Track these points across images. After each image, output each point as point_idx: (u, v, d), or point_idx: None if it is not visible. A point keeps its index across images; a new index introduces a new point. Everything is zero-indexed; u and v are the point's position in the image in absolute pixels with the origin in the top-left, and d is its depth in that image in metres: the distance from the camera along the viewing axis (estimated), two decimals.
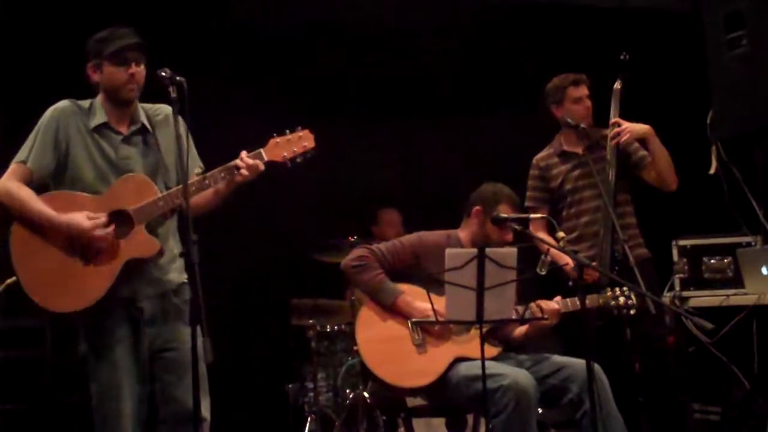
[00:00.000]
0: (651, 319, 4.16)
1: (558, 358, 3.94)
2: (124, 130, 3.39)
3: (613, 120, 4.51)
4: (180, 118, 3.17)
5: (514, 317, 3.72)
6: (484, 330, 3.54)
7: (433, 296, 3.58)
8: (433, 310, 3.62)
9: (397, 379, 3.82)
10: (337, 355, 5.29)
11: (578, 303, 3.78)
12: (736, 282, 4.84)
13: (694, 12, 5.25)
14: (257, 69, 5.88)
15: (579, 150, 4.59)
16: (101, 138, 3.35)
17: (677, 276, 5.04)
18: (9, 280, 3.66)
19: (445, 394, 3.85)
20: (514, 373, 3.69)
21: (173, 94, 3.09)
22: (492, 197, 4.05)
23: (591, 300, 3.88)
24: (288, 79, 5.94)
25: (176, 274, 3.41)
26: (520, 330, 4.07)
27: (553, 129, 4.77)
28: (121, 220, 3.26)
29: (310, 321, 5.29)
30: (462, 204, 4.19)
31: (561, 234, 3.87)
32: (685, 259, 5.03)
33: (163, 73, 3.08)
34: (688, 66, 5.44)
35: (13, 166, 3.31)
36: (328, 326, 5.27)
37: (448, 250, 3.50)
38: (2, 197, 3.27)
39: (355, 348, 4.59)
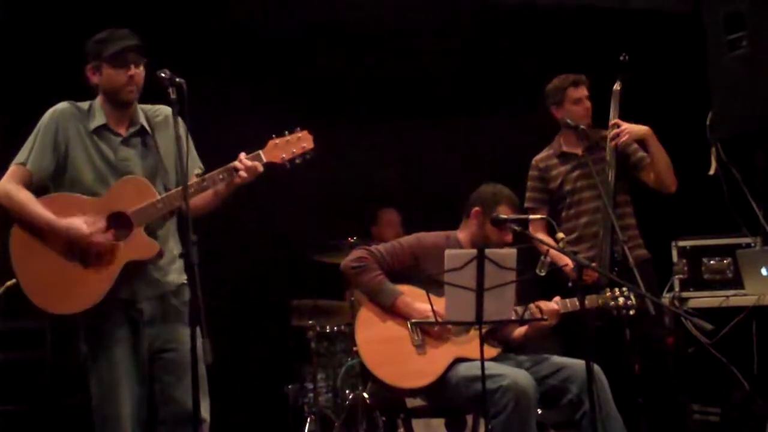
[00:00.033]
0: (650, 320, 4.16)
1: (557, 359, 3.94)
2: (123, 131, 3.38)
3: (612, 121, 4.51)
4: (179, 119, 3.17)
5: (513, 318, 3.72)
6: (484, 331, 3.54)
7: (433, 297, 3.58)
8: (433, 311, 3.61)
9: (397, 379, 3.82)
10: (336, 355, 5.30)
11: (577, 303, 3.78)
12: (736, 283, 4.85)
13: (694, 13, 5.24)
14: (257, 69, 5.88)
15: (578, 151, 4.59)
16: (100, 140, 3.34)
17: (677, 277, 5.04)
18: (9, 282, 3.67)
19: (444, 395, 3.85)
20: (514, 374, 3.70)
21: (173, 95, 3.08)
22: (491, 198, 4.05)
23: (590, 300, 3.88)
24: (288, 79, 5.94)
25: (176, 275, 3.40)
26: (520, 331, 4.07)
27: (552, 129, 4.77)
28: (120, 222, 3.26)
29: (310, 322, 5.29)
30: (462, 204, 4.19)
31: (560, 235, 3.86)
32: (684, 260, 5.03)
33: (163, 74, 3.08)
34: (688, 66, 5.44)
35: (12, 168, 3.31)
36: (328, 327, 5.28)
37: (447, 251, 3.50)
38: (2, 199, 3.27)
39: (354, 349, 4.59)
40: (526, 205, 4.68)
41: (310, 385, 5.26)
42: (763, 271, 4.58)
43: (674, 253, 5.07)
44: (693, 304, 4.98)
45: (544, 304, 3.92)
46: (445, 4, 6.06)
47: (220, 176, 3.30)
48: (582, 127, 4.52)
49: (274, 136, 3.37)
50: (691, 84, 5.31)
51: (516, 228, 3.95)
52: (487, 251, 3.47)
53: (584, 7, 6.21)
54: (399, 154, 6.31)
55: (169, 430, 3.34)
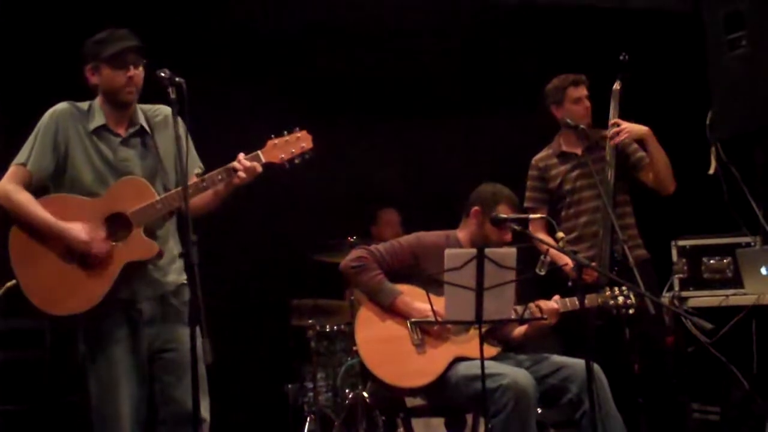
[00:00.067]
0: (650, 319, 4.16)
1: (557, 358, 3.94)
2: (123, 132, 3.38)
3: (612, 120, 4.51)
4: (179, 119, 3.17)
5: (513, 317, 3.72)
6: (484, 330, 3.55)
7: (433, 296, 3.58)
8: (433, 310, 3.61)
9: (397, 379, 3.82)
10: (336, 355, 5.30)
11: (577, 303, 3.78)
12: (736, 282, 4.84)
13: (694, 12, 5.25)
14: (257, 69, 5.88)
15: (578, 151, 4.60)
16: (100, 140, 3.34)
17: (676, 276, 5.04)
18: (9, 283, 3.67)
19: (444, 394, 3.85)
20: (514, 373, 3.70)
21: (172, 95, 3.08)
22: (491, 197, 4.05)
23: (590, 300, 3.88)
24: (288, 79, 5.94)
25: (176, 275, 3.41)
26: (520, 330, 4.07)
27: (552, 129, 4.77)
28: (119, 223, 3.26)
29: (310, 321, 5.29)
30: (462, 204, 4.19)
31: (560, 234, 3.86)
32: (684, 260, 5.03)
33: (163, 74, 3.07)
34: (688, 66, 5.44)
35: (12, 169, 3.31)
36: (328, 326, 5.27)
37: (447, 251, 3.50)
38: (1, 200, 3.27)
39: (354, 348, 4.59)
40: (526, 204, 4.68)
41: (310, 385, 5.26)
42: (763, 271, 4.58)
43: (674, 252, 5.07)
44: (693, 303, 4.98)
45: (544, 304, 3.92)
46: (445, 4, 6.07)
47: (219, 176, 3.30)
48: (582, 126, 4.52)
49: (272, 136, 3.36)
50: (691, 83, 5.31)
51: (516, 227, 3.95)
52: (487, 250, 3.47)
53: (584, 7, 6.21)
54: (399, 154, 6.30)
55: (169, 430, 3.34)
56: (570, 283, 4.08)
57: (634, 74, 4.59)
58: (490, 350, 3.84)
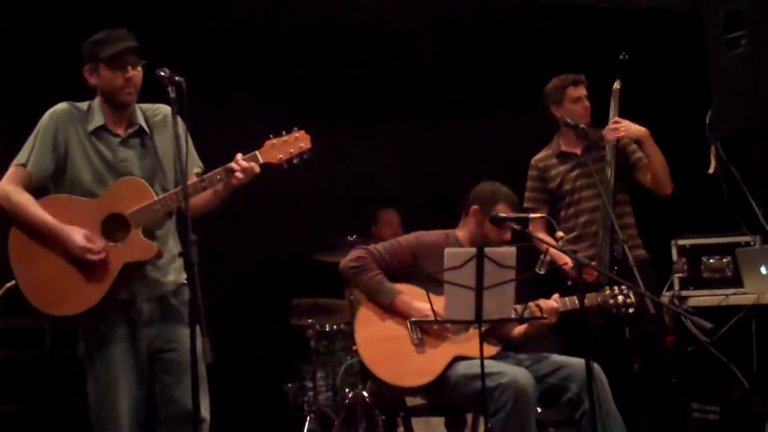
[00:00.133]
0: (650, 319, 4.16)
1: (557, 357, 3.94)
2: (122, 132, 3.38)
3: (612, 120, 4.52)
4: (179, 119, 3.16)
5: (513, 316, 3.72)
6: (483, 329, 3.55)
7: (432, 296, 3.58)
8: (432, 309, 3.61)
9: (396, 378, 3.82)
10: (336, 354, 5.30)
11: (577, 302, 3.78)
12: (735, 281, 4.84)
13: (694, 11, 5.24)
14: (257, 69, 5.89)
15: (577, 150, 4.60)
16: (99, 140, 3.34)
17: (676, 275, 5.04)
18: (9, 284, 3.66)
19: (444, 393, 3.85)
20: (513, 372, 3.69)
21: (172, 94, 3.07)
22: (490, 196, 4.04)
23: (590, 299, 3.88)
24: (288, 79, 5.94)
25: (175, 275, 3.40)
26: (519, 329, 4.06)
27: (552, 129, 4.78)
28: (117, 223, 3.26)
29: (310, 320, 5.30)
30: (461, 204, 4.19)
31: (560, 233, 3.87)
32: (684, 259, 5.03)
33: (162, 73, 3.06)
34: (688, 65, 5.44)
35: (12, 169, 3.31)
36: (328, 326, 5.28)
37: (447, 250, 3.50)
38: (1, 201, 3.27)
39: (354, 347, 4.59)
40: (526, 205, 4.68)
41: (310, 384, 5.27)
42: (763, 270, 4.58)
43: (674, 251, 5.06)
44: (692, 302, 4.97)
45: (544, 303, 3.92)
46: (445, 4, 6.07)
47: (218, 176, 3.29)
48: (581, 126, 4.52)
49: (271, 136, 3.36)
50: (691, 83, 5.31)
51: (515, 226, 3.95)
52: (487, 250, 3.46)
53: (584, 7, 6.22)
54: (399, 154, 6.31)
55: (170, 429, 3.34)
56: (570, 283, 4.09)
57: (634, 73, 4.59)
58: (490, 349, 3.84)
